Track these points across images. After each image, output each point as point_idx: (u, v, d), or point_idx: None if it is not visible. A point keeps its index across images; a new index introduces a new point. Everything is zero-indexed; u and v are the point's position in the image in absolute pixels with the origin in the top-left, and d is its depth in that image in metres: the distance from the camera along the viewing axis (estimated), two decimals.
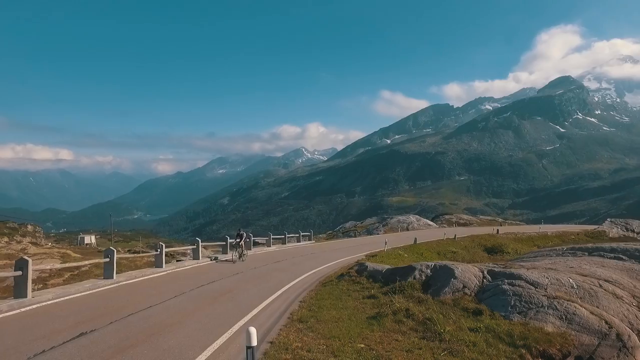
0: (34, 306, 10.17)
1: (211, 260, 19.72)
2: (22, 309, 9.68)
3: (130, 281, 13.77)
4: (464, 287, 9.95)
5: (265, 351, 6.69)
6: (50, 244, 53.22)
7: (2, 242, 46.50)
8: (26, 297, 10.39)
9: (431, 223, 64.64)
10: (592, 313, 7.55)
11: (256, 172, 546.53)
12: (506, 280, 9.36)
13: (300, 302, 11.04)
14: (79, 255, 38.20)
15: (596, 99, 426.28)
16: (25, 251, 42.11)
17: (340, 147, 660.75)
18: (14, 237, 49.26)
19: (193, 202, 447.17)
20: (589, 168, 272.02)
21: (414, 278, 11.22)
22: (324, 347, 6.85)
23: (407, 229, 56.04)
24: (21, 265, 10.56)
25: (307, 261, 21.85)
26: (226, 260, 19.91)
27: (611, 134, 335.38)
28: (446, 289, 9.96)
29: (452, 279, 10.22)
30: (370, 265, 13.66)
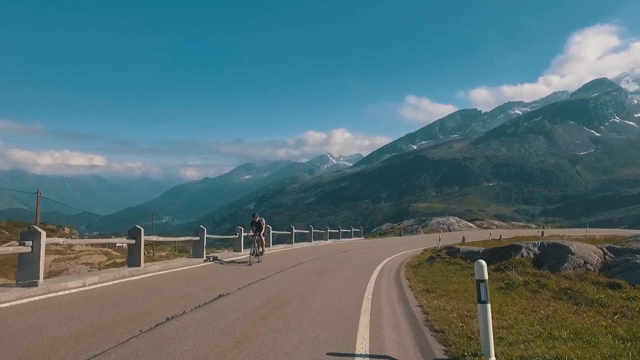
0: (152, 274, 10.46)
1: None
2: (142, 276, 9.94)
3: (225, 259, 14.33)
4: (585, 262, 9.62)
5: (428, 311, 6.58)
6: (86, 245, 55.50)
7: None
8: (140, 265, 10.68)
9: (471, 225, 63.47)
10: None
11: (282, 177, 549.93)
12: (638, 255, 8.99)
13: (407, 279, 10.96)
14: (118, 254, 39.91)
15: (635, 102, 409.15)
16: (73, 248, 43.59)
17: (365, 153, 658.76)
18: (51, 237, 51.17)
19: (219, 207, 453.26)
20: (628, 174, 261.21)
21: (522, 256, 10.95)
22: (475, 310, 6.70)
23: (449, 230, 55.23)
24: (134, 233, 10.86)
25: (374, 252, 21.95)
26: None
27: None
28: (565, 264, 9.66)
29: (570, 255, 9.90)
30: (463, 247, 13.42)
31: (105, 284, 8.45)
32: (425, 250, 25.30)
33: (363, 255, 18.87)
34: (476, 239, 36.87)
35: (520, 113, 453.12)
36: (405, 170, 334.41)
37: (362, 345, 4.61)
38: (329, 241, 29.00)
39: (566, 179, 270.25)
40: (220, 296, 7.30)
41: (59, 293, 7.36)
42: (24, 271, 7.49)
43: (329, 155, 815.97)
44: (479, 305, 4.20)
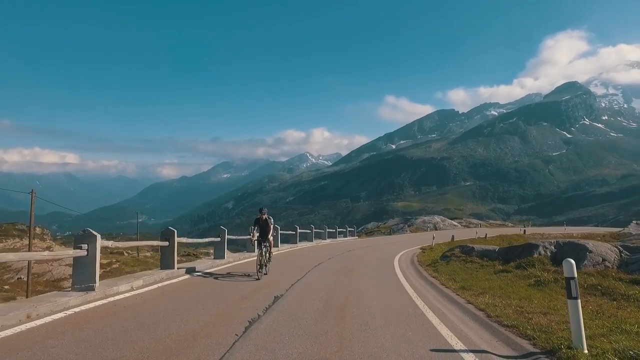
0: (193, 275, 10.69)
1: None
2: (179, 279, 10.03)
3: (242, 261, 14.45)
4: (604, 260, 10.26)
5: (483, 308, 6.97)
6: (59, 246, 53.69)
7: (18, 243, 46.98)
8: (173, 268, 10.75)
9: (456, 224, 64.86)
10: None
11: (261, 176, 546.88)
12: None
13: (434, 277, 11.41)
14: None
15: (603, 105, 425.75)
16: (51, 249, 42.48)
17: (344, 152, 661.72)
18: (24, 239, 49.55)
19: (197, 206, 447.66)
20: (596, 174, 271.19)
21: (540, 254, 11.54)
22: (528, 305, 7.16)
23: (436, 229, 56.36)
24: (168, 235, 10.92)
25: (377, 251, 22.41)
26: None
27: (619, 140, 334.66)
28: (585, 262, 10.28)
29: (588, 253, 10.53)
30: (477, 246, 13.97)
31: (151, 287, 8.55)
32: (422, 248, 25.97)
33: (371, 254, 19.31)
34: (463, 238, 38.00)
35: (496, 114, 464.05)
36: (384, 170, 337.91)
37: (453, 341, 4.95)
38: (328, 240, 29.38)
39: (539, 179, 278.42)
40: None
41: (117, 297, 7.43)
42: (79, 275, 7.49)
43: (308, 154, 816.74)
44: (569, 301, 4.60)
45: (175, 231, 10.84)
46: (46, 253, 6.97)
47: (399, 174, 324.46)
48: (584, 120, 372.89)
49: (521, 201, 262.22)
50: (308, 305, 6.96)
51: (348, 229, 35.58)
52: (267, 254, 10.73)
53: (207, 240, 13.79)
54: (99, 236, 7.63)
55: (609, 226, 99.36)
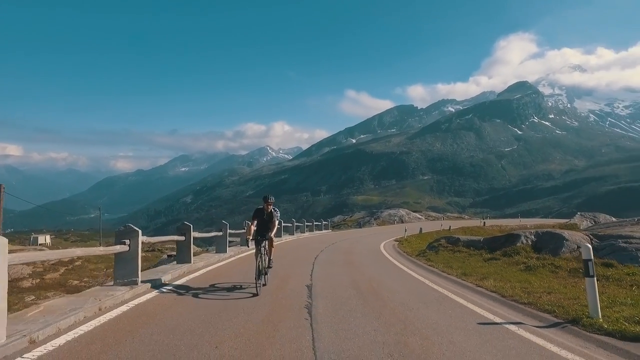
0: (210, 267, 11.18)
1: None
2: (198, 272, 10.48)
3: (242, 254, 14.98)
4: (578, 247, 11.64)
5: (495, 290, 7.97)
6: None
7: None
8: (190, 262, 11.16)
9: (420, 216, 67.36)
10: None
11: (220, 170, 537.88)
12: (620, 240, 11.12)
13: (431, 266, 12.45)
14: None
15: (550, 104, 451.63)
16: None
17: (305, 146, 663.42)
18: None
19: (154, 201, 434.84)
20: (544, 169, 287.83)
21: (522, 243, 12.86)
22: (530, 287, 8.26)
23: (402, 221, 58.39)
24: (184, 230, 11.29)
25: (360, 243, 23.43)
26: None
27: (563, 137, 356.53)
28: (563, 249, 11.65)
29: (565, 241, 11.92)
30: (462, 237, 15.19)
31: (181, 281, 9.01)
32: (396, 240, 27.32)
33: (356, 246, 20.21)
34: (430, 230, 39.87)
35: (453, 110, 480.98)
36: (344, 164, 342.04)
37: (490, 316, 5.87)
38: (307, 234, 30.19)
39: (493, 173, 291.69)
40: None
41: (163, 289, 7.90)
42: (122, 270, 7.81)
43: (268, 148, 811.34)
44: (587, 278, 5.60)
45: (191, 225, 11.24)
46: (102, 248, 7.28)
47: (359, 168, 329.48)
48: (533, 118, 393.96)
49: (476, 194, 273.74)
50: (346, 294, 7.72)
51: (323, 222, 36.55)
52: (267, 258, 8.14)
53: (212, 234, 14.15)
54: (140, 232, 7.99)
55: (554, 217, 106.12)
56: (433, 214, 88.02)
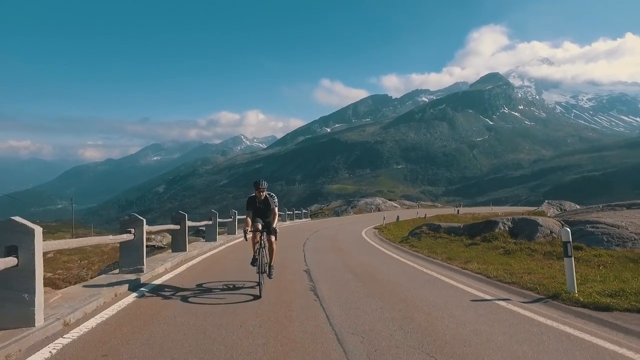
0: (204, 255, 11.47)
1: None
2: (195, 260, 10.78)
3: (231, 243, 15.29)
4: (551, 232, 12.55)
5: (479, 272, 8.65)
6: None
7: None
8: (185, 250, 11.44)
9: (396, 205, 68.77)
10: None
11: (193, 159, 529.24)
12: (588, 225, 12.03)
13: (415, 252, 13.12)
14: None
15: (519, 95, 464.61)
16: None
17: (280, 135, 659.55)
18: None
19: (125, 190, 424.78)
20: (513, 158, 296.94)
21: (500, 229, 13.70)
22: (511, 268, 8.97)
23: (378, 210, 59.50)
24: (179, 219, 11.53)
25: (342, 231, 23.99)
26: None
27: (531, 128, 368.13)
28: (537, 234, 12.51)
29: (539, 227, 12.79)
30: (443, 224, 15.94)
31: (181, 270, 9.32)
32: (375, 228, 28.14)
33: (339, 234, 20.80)
34: (406, 218, 40.95)
35: (427, 100, 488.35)
36: (319, 153, 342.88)
37: (480, 294, 6.48)
38: (288, 222, 30.61)
39: (465, 162, 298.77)
40: None
41: (165, 277, 8.21)
42: (127, 258, 8.03)
43: (242, 137, 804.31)
44: (565, 258, 6.25)
45: (186, 215, 11.50)
46: (111, 237, 7.50)
47: (334, 157, 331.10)
48: (504, 109, 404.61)
49: (448, 183, 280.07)
50: (344, 277, 8.22)
51: (303, 211, 37.08)
52: (268, 253, 7.03)
53: (203, 223, 14.39)
54: (144, 220, 8.23)
55: (523, 205, 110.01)
56: (407, 202, 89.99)
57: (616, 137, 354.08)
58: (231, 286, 7.10)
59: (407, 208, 66.84)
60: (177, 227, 11.24)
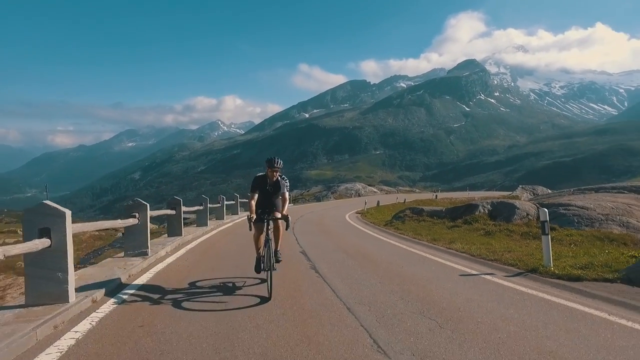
0: (199, 240, 11.80)
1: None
2: (192, 244, 11.14)
3: (222, 227, 15.58)
4: (527, 214, 13.39)
5: (464, 251, 9.33)
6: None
7: None
8: (181, 235, 11.77)
9: (376, 190, 69.84)
10: (638, 221, 11.32)
11: (169, 145, 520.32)
12: (560, 207, 12.92)
13: (401, 234, 13.79)
14: None
15: (495, 82, 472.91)
16: None
17: (257, 121, 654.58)
18: None
19: (99, 178, 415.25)
20: (489, 144, 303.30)
21: (480, 212, 14.49)
22: (492, 247, 9.69)
23: (359, 195, 60.44)
24: (174, 204, 11.83)
25: (326, 217, 24.57)
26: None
27: (506, 114, 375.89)
28: (515, 216, 13.34)
29: (517, 209, 13.62)
30: (426, 207, 16.67)
31: (181, 252, 9.69)
32: (357, 212, 28.87)
33: (324, 219, 21.33)
34: (386, 203, 41.94)
35: (405, 86, 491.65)
36: (297, 139, 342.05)
37: (467, 270, 7.13)
38: None
39: (442, 148, 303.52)
40: None
41: (169, 259, 8.58)
42: (132, 242, 8.36)
43: (219, 122, 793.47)
44: (543, 236, 6.96)
45: (181, 200, 11.80)
46: (120, 221, 7.79)
47: (312, 143, 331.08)
48: (480, 95, 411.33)
49: (426, 169, 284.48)
50: (339, 257, 8.77)
51: None
52: (274, 239, 5.82)
53: (195, 209, 14.68)
54: (148, 205, 8.55)
55: (498, 190, 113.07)
56: (386, 187, 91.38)
57: (585, 124, 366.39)
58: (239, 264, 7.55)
59: (387, 193, 68.04)
60: (173, 212, 11.54)
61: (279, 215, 5.70)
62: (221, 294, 5.50)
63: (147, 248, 8.40)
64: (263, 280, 6.04)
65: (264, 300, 5.14)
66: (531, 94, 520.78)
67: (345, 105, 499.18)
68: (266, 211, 5.82)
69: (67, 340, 3.82)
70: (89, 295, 5.13)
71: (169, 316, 4.53)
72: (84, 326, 4.22)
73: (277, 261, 5.84)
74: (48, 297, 4.70)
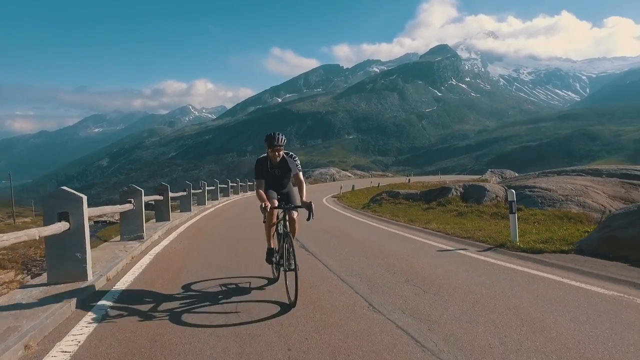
0: (186, 224, 12.22)
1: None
2: (183, 227, 11.54)
3: (205, 213, 15.93)
4: (497, 196, 14.38)
5: (440, 230, 10.12)
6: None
7: None
8: (169, 220, 12.14)
9: (350, 174, 70.89)
10: (593, 201, 12.42)
11: (139, 131, 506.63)
12: (526, 189, 13.94)
13: (379, 216, 14.54)
14: None
15: (466, 68, 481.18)
16: None
17: (229, 106, 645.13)
18: None
19: (64, 165, 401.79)
20: (460, 129, 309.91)
21: (452, 194, 15.40)
22: (465, 227, 10.53)
23: (333, 180, 61.30)
24: (162, 190, 12.14)
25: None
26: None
27: (477, 100, 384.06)
28: (485, 198, 14.29)
29: (487, 192, 14.58)
30: (402, 191, 17.50)
31: (173, 236, 10.10)
32: (333, 197, 29.58)
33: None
34: (361, 187, 42.89)
35: (378, 71, 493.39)
36: (270, 123, 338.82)
37: (443, 246, 7.89)
38: (249, 193, 31.30)
39: (414, 133, 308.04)
40: None
41: (169, 239, 8.99)
42: (128, 227, 8.70)
43: (190, 107, 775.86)
44: (510, 215, 7.77)
45: (169, 186, 12.14)
46: (119, 206, 8.12)
47: (285, 128, 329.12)
48: (452, 80, 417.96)
49: (398, 153, 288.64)
50: (324, 237, 9.39)
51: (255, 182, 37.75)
52: (289, 240, 4.56)
53: (179, 194, 14.96)
54: (142, 191, 8.89)
55: (468, 174, 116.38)
56: (359, 172, 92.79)
57: (551, 109, 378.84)
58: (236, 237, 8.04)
59: (360, 178, 69.19)
60: (161, 197, 11.87)
61: (298, 203, 4.79)
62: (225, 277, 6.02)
63: (143, 232, 8.78)
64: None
65: (271, 282, 5.27)
66: (500, 79, 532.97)
67: (318, 89, 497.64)
68: (281, 200, 5.03)
69: (98, 311, 4.30)
70: (103, 274, 5.56)
71: (183, 278, 5.04)
72: (105, 302, 4.68)
73: (293, 255, 4.44)
74: (68, 276, 5.11)
